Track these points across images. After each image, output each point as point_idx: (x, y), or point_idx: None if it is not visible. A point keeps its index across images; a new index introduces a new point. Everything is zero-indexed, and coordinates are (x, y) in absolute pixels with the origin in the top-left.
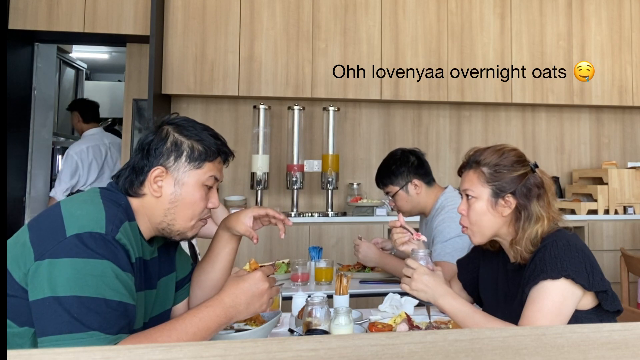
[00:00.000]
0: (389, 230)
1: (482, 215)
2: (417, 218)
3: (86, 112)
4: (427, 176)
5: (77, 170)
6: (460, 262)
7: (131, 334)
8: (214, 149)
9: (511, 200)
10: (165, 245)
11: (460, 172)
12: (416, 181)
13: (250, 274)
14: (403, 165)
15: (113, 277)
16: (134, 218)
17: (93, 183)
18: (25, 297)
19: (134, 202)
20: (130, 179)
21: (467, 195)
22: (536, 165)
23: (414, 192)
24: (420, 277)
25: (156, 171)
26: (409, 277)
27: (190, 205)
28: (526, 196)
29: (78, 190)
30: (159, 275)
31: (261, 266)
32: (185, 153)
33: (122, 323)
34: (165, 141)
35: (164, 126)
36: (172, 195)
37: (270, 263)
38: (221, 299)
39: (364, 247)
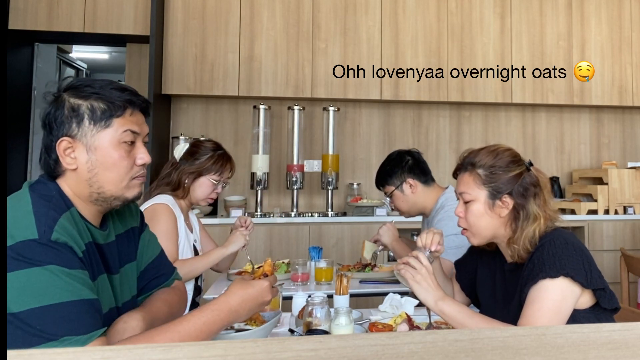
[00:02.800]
0: None
1: (479, 217)
2: (419, 218)
3: None
4: (423, 175)
5: None
6: (458, 264)
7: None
8: (119, 103)
9: (508, 201)
10: (126, 233)
11: (455, 174)
12: (411, 180)
13: (258, 281)
14: (397, 166)
15: (64, 278)
16: (71, 204)
17: None
18: None
19: (63, 185)
20: (45, 161)
21: (464, 199)
22: (531, 164)
23: (409, 191)
24: (429, 275)
25: (62, 143)
26: (415, 268)
27: (110, 167)
28: (523, 195)
29: None
30: (120, 262)
31: (265, 275)
32: (86, 116)
33: (90, 320)
34: (62, 109)
35: (59, 94)
36: (88, 163)
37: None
38: (228, 302)
39: (386, 227)
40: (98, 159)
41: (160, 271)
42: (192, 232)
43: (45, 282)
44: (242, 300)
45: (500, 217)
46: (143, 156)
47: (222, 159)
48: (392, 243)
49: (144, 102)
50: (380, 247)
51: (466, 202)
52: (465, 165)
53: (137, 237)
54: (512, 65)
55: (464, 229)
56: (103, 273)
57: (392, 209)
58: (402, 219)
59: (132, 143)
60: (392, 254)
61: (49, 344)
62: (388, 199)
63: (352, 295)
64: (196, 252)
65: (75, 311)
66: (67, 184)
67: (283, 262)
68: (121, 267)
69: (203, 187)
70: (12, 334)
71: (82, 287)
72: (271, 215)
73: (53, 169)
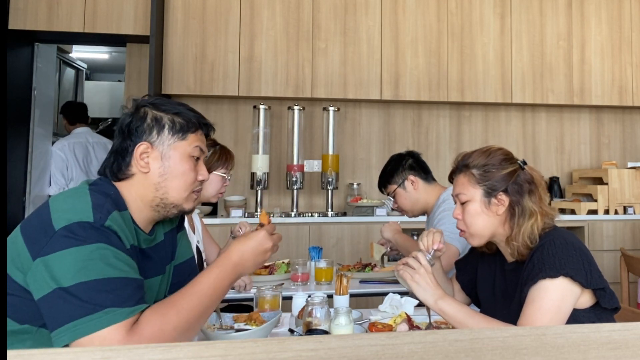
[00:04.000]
0: None
1: (476, 216)
2: (421, 218)
3: (69, 114)
4: (424, 173)
5: (65, 164)
6: (458, 264)
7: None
8: (195, 120)
9: (504, 198)
10: (170, 231)
11: (450, 178)
12: (412, 177)
13: (254, 232)
14: (398, 165)
15: (112, 257)
16: (125, 207)
17: (79, 180)
18: (26, 297)
19: (123, 188)
20: (117, 163)
21: (460, 200)
22: (524, 162)
23: (411, 188)
24: (427, 274)
25: (141, 147)
26: (413, 268)
27: (179, 176)
28: (518, 192)
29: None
30: (167, 260)
31: (261, 225)
32: (167, 126)
33: (136, 296)
34: (144, 119)
35: (140, 107)
36: (160, 168)
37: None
38: (229, 257)
39: (387, 224)
40: (170, 166)
41: (185, 277)
42: (194, 232)
43: (95, 259)
44: (242, 253)
45: (497, 215)
46: (204, 173)
47: (224, 152)
48: (394, 236)
49: (211, 127)
50: (388, 248)
51: (463, 203)
52: (459, 167)
53: (175, 236)
54: (512, 65)
55: (462, 230)
56: (147, 278)
57: (394, 209)
58: (403, 219)
59: (197, 160)
60: (391, 256)
61: (94, 315)
62: (391, 200)
63: (352, 295)
64: (199, 253)
65: (121, 286)
66: (132, 187)
67: (283, 262)
68: (167, 264)
69: (213, 184)
70: (59, 308)
71: (129, 268)
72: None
73: (123, 170)
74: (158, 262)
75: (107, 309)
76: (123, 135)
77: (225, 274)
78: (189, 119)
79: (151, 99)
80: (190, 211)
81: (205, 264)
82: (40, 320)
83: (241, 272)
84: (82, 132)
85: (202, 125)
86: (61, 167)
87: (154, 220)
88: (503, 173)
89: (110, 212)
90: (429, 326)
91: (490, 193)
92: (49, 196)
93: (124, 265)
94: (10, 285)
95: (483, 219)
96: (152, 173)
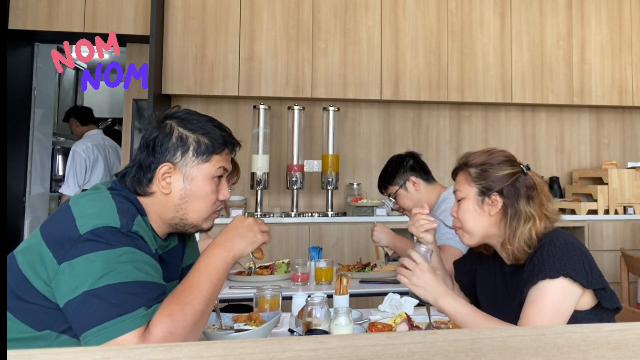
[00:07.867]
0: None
1: (468, 214)
2: None
3: (82, 116)
4: (425, 174)
5: (86, 166)
6: (457, 264)
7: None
8: (221, 141)
9: (498, 199)
10: (182, 235)
11: (453, 176)
12: (413, 178)
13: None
14: (400, 166)
15: (140, 261)
16: (145, 213)
17: (99, 181)
18: (45, 305)
19: (142, 200)
20: (137, 178)
21: (457, 197)
22: (528, 168)
23: (413, 189)
24: (422, 274)
25: (164, 168)
26: (410, 269)
27: (201, 198)
28: (514, 195)
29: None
30: (183, 263)
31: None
32: (192, 148)
33: (161, 298)
34: (170, 137)
35: (166, 121)
36: (182, 191)
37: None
38: (214, 241)
39: (377, 231)
40: (192, 189)
41: None
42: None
43: (122, 262)
44: (225, 232)
45: (490, 216)
46: (225, 193)
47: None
48: (392, 242)
49: (238, 145)
50: (391, 251)
51: (459, 201)
52: (460, 165)
53: (184, 239)
54: (512, 65)
55: (458, 227)
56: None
57: (394, 209)
58: (404, 219)
59: (220, 178)
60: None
61: (119, 319)
62: (391, 200)
63: (352, 295)
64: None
65: (149, 290)
66: (151, 204)
67: (283, 262)
68: (182, 268)
69: None
70: (86, 312)
71: (155, 273)
72: (271, 215)
73: (143, 187)
74: (173, 267)
75: (136, 310)
76: (148, 150)
77: (212, 257)
78: (215, 140)
79: (180, 112)
80: (209, 229)
81: None
82: (62, 326)
83: (231, 249)
84: (96, 134)
85: (229, 145)
86: (82, 167)
87: (169, 232)
88: (500, 174)
89: (135, 217)
90: (429, 326)
91: (484, 192)
92: (61, 195)
93: (151, 270)
94: (30, 293)
95: (475, 217)
96: (173, 195)
